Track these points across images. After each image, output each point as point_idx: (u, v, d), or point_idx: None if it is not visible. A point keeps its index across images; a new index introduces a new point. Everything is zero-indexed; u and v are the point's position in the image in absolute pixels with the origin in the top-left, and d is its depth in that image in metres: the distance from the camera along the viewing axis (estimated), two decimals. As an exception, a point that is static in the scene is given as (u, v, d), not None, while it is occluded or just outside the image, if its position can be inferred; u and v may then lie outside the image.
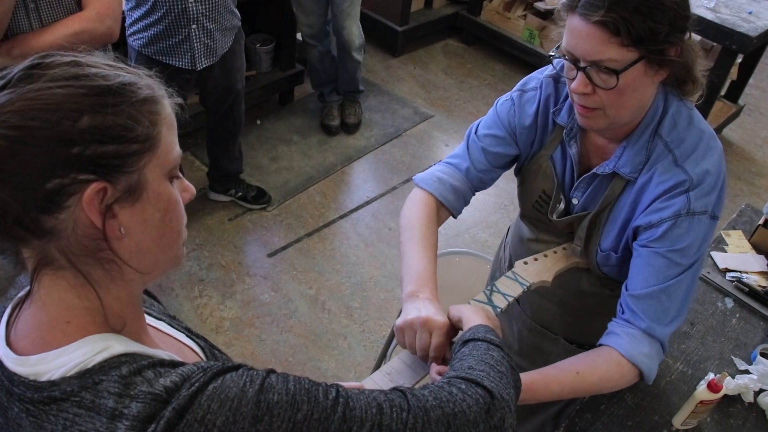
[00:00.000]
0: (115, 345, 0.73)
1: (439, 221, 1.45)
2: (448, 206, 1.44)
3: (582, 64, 1.14)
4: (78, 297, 0.74)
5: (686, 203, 1.20)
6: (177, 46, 2.55)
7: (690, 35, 1.16)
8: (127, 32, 2.58)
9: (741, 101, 4.32)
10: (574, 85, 1.17)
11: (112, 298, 0.76)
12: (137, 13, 2.50)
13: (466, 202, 1.48)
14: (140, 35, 2.54)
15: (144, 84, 0.74)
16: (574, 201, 1.37)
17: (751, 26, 3.55)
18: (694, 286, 1.27)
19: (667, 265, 1.22)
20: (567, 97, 1.33)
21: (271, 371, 0.76)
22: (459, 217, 1.50)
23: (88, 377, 0.69)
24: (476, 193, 1.51)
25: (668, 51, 1.12)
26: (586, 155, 1.36)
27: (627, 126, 1.25)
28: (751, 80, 4.31)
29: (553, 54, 1.22)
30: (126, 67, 0.76)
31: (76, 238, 0.71)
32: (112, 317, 0.76)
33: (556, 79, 1.37)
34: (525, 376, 1.14)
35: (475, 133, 1.47)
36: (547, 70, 1.39)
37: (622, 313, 1.27)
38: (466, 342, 1.04)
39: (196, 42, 2.56)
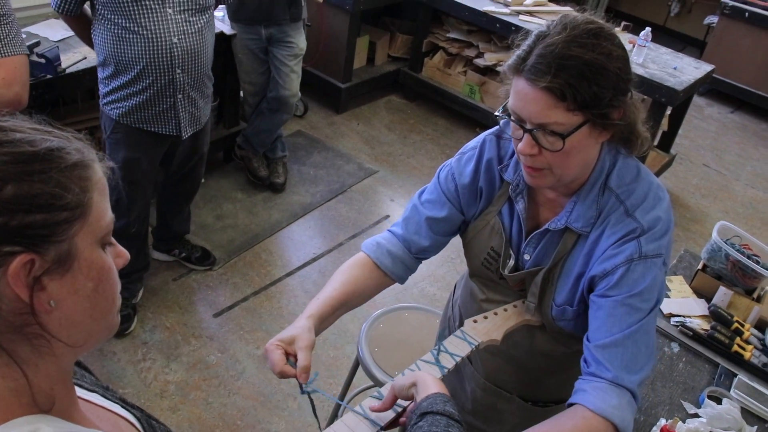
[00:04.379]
0: (43, 427, 0.67)
1: (380, 285, 1.46)
2: (384, 269, 1.44)
3: (528, 126, 1.16)
4: (2, 377, 0.68)
5: (637, 248, 1.21)
6: (161, 114, 2.48)
7: (632, 94, 1.19)
8: (102, 100, 2.48)
9: (672, 150, 4.51)
10: (520, 146, 1.18)
11: (40, 376, 0.70)
12: (117, 82, 2.40)
13: (409, 268, 1.48)
14: (119, 104, 2.44)
15: (73, 148, 0.70)
16: (526, 257, 1.37)
17: (677, 80, 3.75)
18: (653, 331, 1.25)
19: (628, 311, 1.21)
20: (513, 154, 1.35)
21: None
22: None
23: None
24: (423, 260, 1.50)
25: (612, 114, 1.15)
26: (534, 210, 1.37)
27: (575, 182, 1.27)
28: (680, 131, 4.51)
29: (498, 114, 1.24)
30: (53, 130, 0.72)
31: (0, 314, 0.66)
32: (40, 396, 0.70)
33: (499, 136, 1.39)
34: None
35: (419, 198, 1.48)
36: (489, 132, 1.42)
37: (588, 366, 1.24)
38: (423, 414, 1.00)
39: (182, 111, 2.51)
